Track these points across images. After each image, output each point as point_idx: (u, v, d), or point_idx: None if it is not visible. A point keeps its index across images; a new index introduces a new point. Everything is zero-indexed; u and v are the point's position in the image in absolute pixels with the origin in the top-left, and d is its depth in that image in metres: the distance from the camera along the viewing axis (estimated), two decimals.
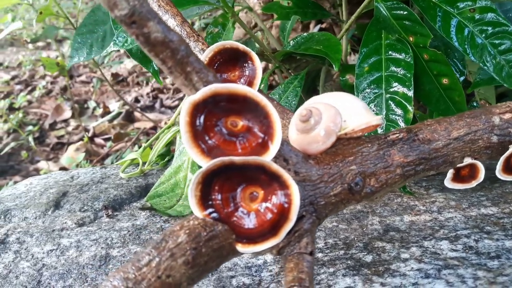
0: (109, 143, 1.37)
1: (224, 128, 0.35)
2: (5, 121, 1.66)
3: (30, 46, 2.59)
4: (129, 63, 2.00)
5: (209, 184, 0.34)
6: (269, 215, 0.34)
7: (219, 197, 0.35)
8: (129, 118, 1.57)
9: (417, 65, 0.64)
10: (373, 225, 0.56)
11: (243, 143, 0.35)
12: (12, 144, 1.30)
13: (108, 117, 1.57)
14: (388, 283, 0.46)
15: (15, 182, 1.25)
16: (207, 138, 0.34)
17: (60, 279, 0.51)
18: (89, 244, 0.55)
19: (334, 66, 0.67)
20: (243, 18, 1.23)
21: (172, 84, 1.74)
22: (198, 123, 0.34)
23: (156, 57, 0.32)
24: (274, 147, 0.34)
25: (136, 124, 1.49)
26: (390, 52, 0.66)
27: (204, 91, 0.33)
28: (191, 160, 0.72)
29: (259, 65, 0.46)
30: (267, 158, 0.34)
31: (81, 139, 1.53)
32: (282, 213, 0.33)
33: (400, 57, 0.65)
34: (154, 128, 1.43)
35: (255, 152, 0.34)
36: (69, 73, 2.12)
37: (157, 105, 1.59)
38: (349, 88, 0.77)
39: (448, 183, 0.46)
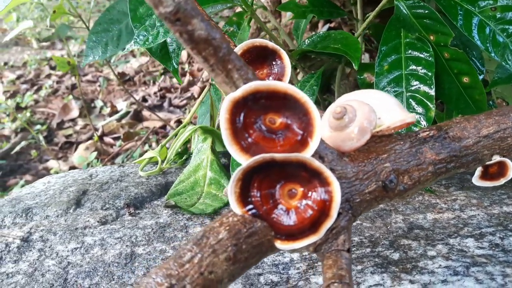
0: (118, 142, 1.37)
1: (263, 125, 0.35)
2: (13, 120, 1.66)
3: (35, 45, 2.59)
4: (135, 63, 2.00)
5: (248, 181, 0.34)
6: (309, 212, 0.34)
7: (258, 194, 0.35)
8: (137, 117, 1.57)
9: (437, 64, 0.64)
10: (397, 223, 0.56)
11: (282, 140, 0.35)
12: (23, 143, 1.30)
13: (116, 116, 1.57)
14: (417, 280, 0.46)
15: (26, 181, 1.25)
16: (246, 135, 0.34)
17: (86, 277, 0.51)
18: (113, 242, 0.55)
19: (354, 64, 0.67)
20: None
21: (180, 84, 1.74)
22: (238, 120, 0.34)
23: (198, 54, 0.32)
24: (313, 144, 0.34)
25: (145, 123, 1.49)
26: (410, 51, 0.66)
27: (244, 89, 0.33)
28: (209, 159, 0.72)
29: (288, 62, 0.46)
30: (306, 155, 0.34)
31: (89, 138, 1.53)
32: (322, 210, 0.33)
33: (421, 55, 0.65)
34: (163, 127, 1.43)
35: (294, 149, 0.34)
36: (72, 73, 2.12)
37: (165, 104, 1.59)
38: (366, 87, 0.77)
39: (476, 180, 0.46)
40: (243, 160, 0.34)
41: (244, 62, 0.34)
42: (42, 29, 2.72)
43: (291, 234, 0.34)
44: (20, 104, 1.81)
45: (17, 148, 1.32)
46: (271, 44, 0.46)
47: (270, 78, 0.47)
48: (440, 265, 0.48)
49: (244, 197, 0.35)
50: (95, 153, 1.16)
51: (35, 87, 2.06)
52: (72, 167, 1.33)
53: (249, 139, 0.35)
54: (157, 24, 0.64)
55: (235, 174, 0.34)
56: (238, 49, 0.47)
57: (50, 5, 2.43)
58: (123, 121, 1.53)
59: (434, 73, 0.63)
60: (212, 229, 0.35)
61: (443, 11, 0.63)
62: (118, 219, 0.60)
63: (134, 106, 1.64)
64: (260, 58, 0.47)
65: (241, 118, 0.34)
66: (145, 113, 1.57)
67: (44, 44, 2.62)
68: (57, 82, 2.08)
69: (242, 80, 0.34)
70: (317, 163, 0.32)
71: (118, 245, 0.55)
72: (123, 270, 0.52)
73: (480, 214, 0.57)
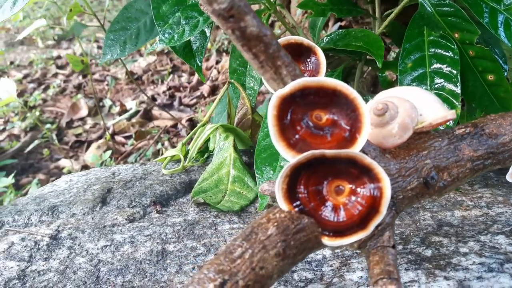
0: (130, 141, 1.37)
1: (309, 121, 0.35)
2: (23, 119, 1.66)
3: (40, 44, 2.59)
4: (143, 62, 2.00)
5: (296, 177, 0.34)
6: (358, 209, 0.34)
7: (305, 190, 0.35)
8: (147, 116, 1.57)
9: (461, 62, 0.64)
10: (426, 220, 0.56)
11: (329, 136, 0.35)
12: (36, 141, 1.30)
13: (126, 115, 1.57)
14: (451, 276, 0.46)
15: (40, 180, 1.25)
16: (293, 131, 0.35)
17: (118, 274, 0.51)
18: (143, 240, 0.56)
19: (377, 62, 0.67)
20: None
21: (189, 83, 1.74)
22: (285, 116, 0.34)
23: (249, 51, 0.32)
24: (361, 141, 0.34)
25: (156, 122, 1.49)
26: (433, 49, 0.66)
27: (293, 85, 0.34)
28: (232, 157, 0.72)
29: (323, 59, 0.46)
30: (355, 151, 0.34)
31: (100, 137, 1.53)
32: (372, 206, 0.33)
33: (445, 53, 0.65)
34: (174, 126, 1.43)
35: (341, 145, 0.34)
36: (83, 72, 2.12)
37: (175, 103, 1.59)
38: (388, 85, 0.77)
39: (510, 178, 0.46)
40: (290, 157, 0.35)
41: (291, 58, 0.34)
42: (47, 29, 2.72)
43: (339, 230, 0.34)
44: (29, 103, 1.81)
45: (30, 147, 1.32)
46: (306, 41, 0.46)
47: (305, 75, 0.47)
48: (474, 261, 0.48)
49: (291, 194, 0.35)
50: (109, 152, 1.16)
51: (43, 86, 2.06)
52: (84, 166, 1.33)
53: (296, 136, 0.35)
54: (182, 22, 0.64)
55: (283, 171, 0.34)
56: None
57: (55, 5, 2.42)
58: (133, 120, 1.53)
59: (459, 71, 0.63)
60: (260, 225, 0.35)
61: (469, 8, 0.63)
62: (146, 217, 0.61)
63: (144, 105, 1.64)
64: (295, 55, 0.47)
65: (289, 114, 0.34)
66: (155, 112, 1.57)
67: (50, 43, 2.62)
68: (64, 81, 2.08)
69: (290, 77, 0.34)
70: (368, 159, 0.33)
71: (148, 242, 0.55)
72: (155, 267, 0.52)
73: (508, 212, 0.57)
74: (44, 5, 2.79)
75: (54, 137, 1.37)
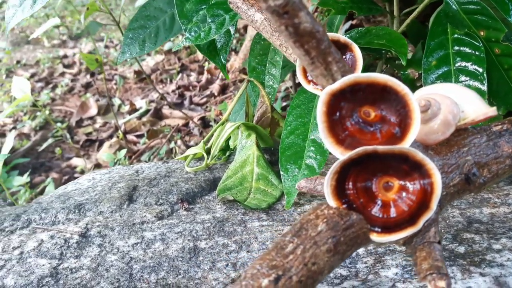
0: (142, 140, 1.37)
1: (358, 117, 0.35)
2: (33, 119, 1.66)
3: (46, 43, 2.59)
4: (151, 61, 2.00)
5: (345, 174, 0.35)
6: (408, 205, 0.34)
7: (354, 187, 0.35)
8: (157, 115, 1.57)
9: (486, 59, 0.64)
10: (455, 217, 0.57)
11: (378, 132, 0.35)
12: (50, 140, 1.30)
13: (136, 114, 1.57)
14: (487, 273, 0.46)
15: (53, 179, 1.25)
16: (342, 128, 0.35)
17: (152, 271, 0.51)
18: (174, 237, 0.56)
19: (402, 60, 0.67)
20: None
21: (198, 82, 1.74)
22: (334, 113, 0.34)
23: (300, 47, 0.33)
24: (411, 137, 0.34)
25: (167, 121, 1.49)
26: (457, 47, 0.66)
27: (343, 81, 0.34)
28: (256, 155, 0.72)
29: (359, 55, 0.46)
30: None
31: (110, 136, 1.53)
32: (422, 202, 0.34)
33: (470, 51, 0.65)
34: (185, 124, 1.43)
35: (390, 141, 0.35)
36: (90, 71, 2.12)
37: (186, 102, 1.59)
38: (410, 83, 0.77)
39: None
40: (338, 153, 0.35)
41: (341, 55, 0.34)
42: (51, 28, 2.71)
43: (388, 226, 0.35)
44: (38, 102, 1.81)
45: (44, 146, 1.32)
46: (343, 38, 0.47)
47: None
48: (509, 258, 0.48)
49: (339, 190, 0.35)
50: (124, 151, 1.16)
51: (50, 85, 2.06)
52: (97, 165, 1.33)
53: (345, 132, 0.35)
54: (208, 20, 0.64)
55: (333, 167, 0.34)
56: None
57: (60, 5, 2.42)
58: (144, 119, 1.53)
59: (485, 69, 0.63)
60: (308, 221, 0.35)
61: (495, 6, 0.63)
62: (174, 214, 0.61)
63: (153, 104, 1.64)
64: None
65: (338, 110, 0.35)
66: (165, 110, 1.57)
67: (56, 42, 2.62)
68: (72, 80, 2.08)
69: (340, 73, 0.34)
70: (421, 155, 0.33)
71: (179, 239, 0.55)
72: (188, 264, 0.52)
73: None
74: (53, 5, 2.78)
75: (68, 135, 1.37)
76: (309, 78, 0.47)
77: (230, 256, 0.52)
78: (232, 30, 0.70)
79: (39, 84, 2.06)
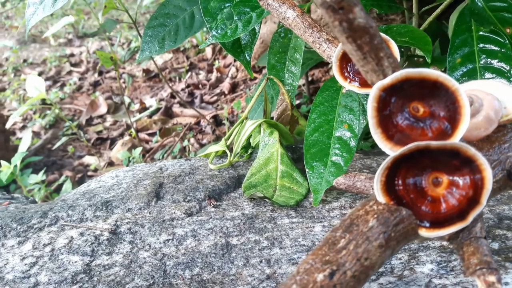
0: (154, 138, 1.37)
1: (408, 113, 0.35)
2: (43, 117, 1.66)
3: (53, 42, 2.59)
4: (159, 59, 2.00)
5: (395, 169, 0.35)
6: (457, 200, 0.34)
7: (403, 182, 0.35)
8: (168, 113, 1.57)
9: None
10: (485, 214, 0.57)
11: (428, 128, 0.35)
12: (64, 139, 1.30)
13: (147, 112, 1.57)
14: None
15: (67, 177, 1.25)
16: (392, 123, 0.35)
17: (186, 268, 0.51)
18: (205, 233, 0.56)
19: (426, 57, 0.67)
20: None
21: (208, 80, 1.74)
22: (385, 108, 0.35)
23: (353, 42, 0.33)
24: (460, 132, 0.34)
25: (178, 119, 1.49)
26: (482, 44, 0.67)
27: (395, 76, 0.34)
28: (279, 152, 0.72)
29: (397, 51, 0.46)
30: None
31: (121, 134, 1.53)
32: (473, 198, 0.34)
33: (496, 48, 0.65)
34: (197, 123, 1.44)
35: (439, 137, 0.35)
36: (98, 70, 2.12)
37: (196, 100, 1.59)
38: None
39: None
40: (388, 149, 0.35)
41: (391, 50, 0.34)
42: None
43: (437, 222, 0.35)
44: (47, 100, 1.81)
45: (59, 144, 1.32)
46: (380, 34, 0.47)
47: None
48: None
49: (389, 186, 0.35)
50: (139, 149, 1.16)
51: (58, 84, 2.06)
52: (110, 163, 1.33)
53: (395, 128, 0.35)
54: (234, 18, 0.65)
55: (384, 163, 0.34)
56: None
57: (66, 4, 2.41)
58: (155, 117, 1.53)
59: None
60: (358, 217, 0.35)
61: None
62: (202, 211, 0.61)
63: (163, 103, 1.64)
64: None
65: (388, 106, 0.35)
66: (176, 109, 1.57)
67: (62, 41, 2.62)
68: (80, 79, 2.08)
69: (391, 68, 0.34)
70: (473, 150, 0.33)
71: (211, 236, 0.55)
72: (222, 260, 0.52)
73: None
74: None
75: (82, 134, 1.38)
76: (346, 74, 0.47)
77: (263, 252, 0.53)
78: (257, 28, 0.70)
79: (47, 83, 2.06)
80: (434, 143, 0.33)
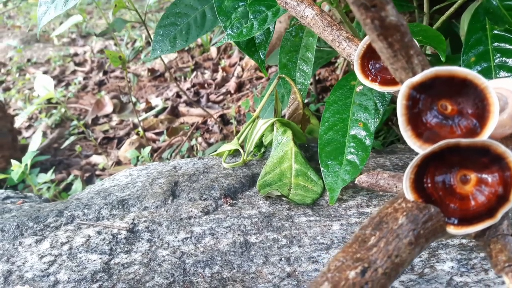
0: (161, 138, 1.37)
1: (436, 111, 0.35)
2: (49, 116, 1.66)
3: (56, 42, 2.59)
4: (164, 59, 2.00)
5: (424, 167, 0.35)
6: (486, 197, 0.34)
7: (432, 180, 0.35)
8: (174, 112, 1.57)
9: None
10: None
11: (456, 126, 0.35)
12: (72, 138, 1.30)
13: (153, 112, 1.57)
14: None
15: (76, 176, 1.25)
16: (421, 121, 0.35)
17: (205, 266, 0.51)
18: (224, 232, 0.56)
19: (441, 56, 0.67)
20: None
21: (213, 80, 1.74)
22: (414, 106, 0.35)
23: (384, 40, 0.33)
24: (489, 130, 0.34)
25: (185, 119, 1.49)
26: (497, 43, 0.67)
27: (424, 74, 0.34)
28: (293, 151, 0.72)
29: None
30: None
31: (127, 133, 1.53)
32: (502, 195, 0.34)
33: (510, 47, 0.65)
34: (204, 122, 1.44)
35: (467, 135, 0.35)
36: (102, 69, 2.12)
37: (203, 100, 1.59)
38: None
39: None
40: (417, 147, 0.35)
41: (420, 48, 0.35)
42: (56, 26, 2.71)
43: (466, 219, 0.35)
44: (52, 99, 1.81)
45: (67, 143, 1.32)
46: None
47: None
48: None
49: (418, 184, 0.35)
50: (148, 148, 1.16)
51: (63, 83, 2.06)
52: (117, 162, 1.33)
53: (424, 125, 0.35)
54: (250, 17, 0.65)
55: (414, 161, 0.34)
56: (367, 39, 0.47)
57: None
58: (162, 117, 1.53)
59: None
60: (387, 214, 0.35)
61: None
62: (219, 209, 0.61)
63: (169, 102, 1.64)
64: None
65: (417, 103, 0.35)
66: (182, 108, 1.57)
67: (65, 40, 2.62)
68: (84, 78, 2.08)
69: (421, 66, 0.34)
70: (503, 148, 0.33)
71: (229, 234, 0.55)
72: (241, 258, 0.52)
73: None
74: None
75: (91, 133, 1.38)
76: (367, 73, 0.47)
77: (282, 250, 0.53)
78: (271, 27, 0.70)
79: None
80: (464, 141, 0.33)
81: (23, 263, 0.54)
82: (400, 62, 0.34)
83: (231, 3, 0.70)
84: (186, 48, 2.04)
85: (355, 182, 0.46)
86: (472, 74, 0.34)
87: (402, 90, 0.34)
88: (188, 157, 1.14)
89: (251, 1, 0.65)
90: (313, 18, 0.54)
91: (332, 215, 0.59)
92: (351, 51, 0.52)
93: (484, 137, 0.35)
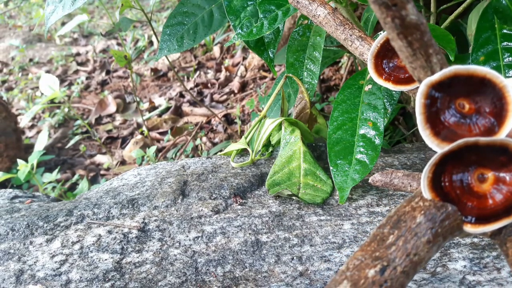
0: (166, 137, 1.37)
1: (454, 110, 0.35)
2: (53, 116, 1.65)
3: (58, 41, 2.58)
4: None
5: (442, 166, 0.35)
6: (504, 196, 0.34)
7: (450, 179, 0.35)
8: (177, 112, 1.57)
9: None
10: None
11: (474, 124, 0.35)
12: (77, 137, 1.30)
13: (157, 111, 1.57)
14: None
15: (80, 176, 1.25)
16: (439, 120, 0.35)
17: (217, 265, 0.51)
18: (234, 231, 0.56)
19: (450, 55, 0.67)
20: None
21: (216, 79, 1.74)
22: (432, 105, 0.35)
23: (404, 39, 0.33)
24: (506, 129, 0.34)
25: (189, 118, 1.49)
26: (506, 42, 0.67)
27: (443, 73, 0.34)
28: (302, 150, 0.72)
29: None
30: None
31: (131, 133, 1.53)
32: None
33: None
34: (208, 122, 1.44)
35: (485, 133, 0.35)
36: (105, 68, 2.12)
37: (206, 99, 1.59)
38: None
39: None
40: (434, 145, 0.35)
41: (439, 47, 0.35)
42: (57, 26, 2.71)
43: (483, 217, 0.35)
44: (55, 99, 1.81)
45: (72, 143, 1.32)
46: None
47: None
48: None
49: (435, 182, 0.35)
50: (154, 147, 1.16)
51: (65, 83, 2.06)
52: (122, 162, 1.33)
53: (442, 124, 0.35)
54: (260, 16, 0.65)
55: (432, 160, 0.34)
56: (382, 37, 0.47)
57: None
58: (165, 116, 1.53)
59: None
60: (405, 213, 0.35)
61: None
62: (229, 208, 0.61)
63: (173, 102, 1.64)
64: None
65: (436, 102, 0.35)
66: (186, 108, 1.57)
67: (67, 40, 2.62)
68: (87, 78, 2.08)
69: (439, 65, 0.34)
70: None
71: (240, 233, 0.55)
72: (253, 257, 0.52)
73: None
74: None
75: (95, 133, 1.38)
76: (381, 72, 0.47)
77: (294, 249, 0.53)
78: (280, 26, 0.70)
79: None
80: (483, 140, 0.33)
81: (34, 262, 0.54)
82: (419, 60, 0.34)
83: (240, 2, 0.70)
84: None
85: (369, 181, 0.46)
86: (491, 72, 0.34)
87: (421, 89, 0.34)
88: (193, 156, 1.14)
89: (260, 0, 0.65)
90: (325, 17, 0.54)
91: (343, 215, 0.59)
92: (363, 50, 0.52)
93: (502, 135, 0.35)
